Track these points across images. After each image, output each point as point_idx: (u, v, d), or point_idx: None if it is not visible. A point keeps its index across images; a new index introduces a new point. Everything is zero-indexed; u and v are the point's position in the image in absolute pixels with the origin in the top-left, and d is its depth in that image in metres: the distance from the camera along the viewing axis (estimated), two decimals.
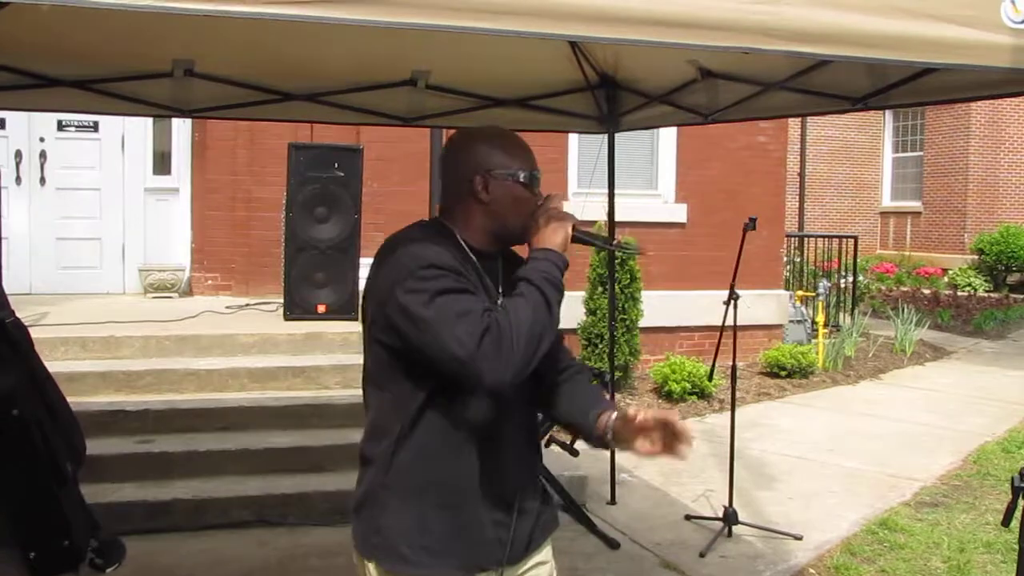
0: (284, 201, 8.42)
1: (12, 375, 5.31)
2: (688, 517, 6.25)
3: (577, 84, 5.64)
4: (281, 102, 5.50)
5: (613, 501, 6.53)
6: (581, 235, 2.59)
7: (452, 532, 2.49)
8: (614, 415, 2.52)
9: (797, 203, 20.48)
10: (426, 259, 2.41)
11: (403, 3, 2.02)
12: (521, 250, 2.63)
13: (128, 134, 9.76)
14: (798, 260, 14.37)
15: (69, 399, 5.66)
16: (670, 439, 2.40)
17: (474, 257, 2.54)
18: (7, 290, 5.82)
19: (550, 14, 2.10)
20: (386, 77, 5.36)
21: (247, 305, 9.10)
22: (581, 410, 2.62)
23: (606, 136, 6.26)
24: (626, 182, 9.64)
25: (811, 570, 5.53)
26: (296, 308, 8.19)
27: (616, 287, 8.75)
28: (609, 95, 5.77)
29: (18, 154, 9.49)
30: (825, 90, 4.22)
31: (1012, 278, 18.87)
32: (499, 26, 2.07)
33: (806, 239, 14.97)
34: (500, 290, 2.59)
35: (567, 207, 2.70)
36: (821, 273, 14.12)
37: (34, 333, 5.67)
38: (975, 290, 18.16)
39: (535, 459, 2.77)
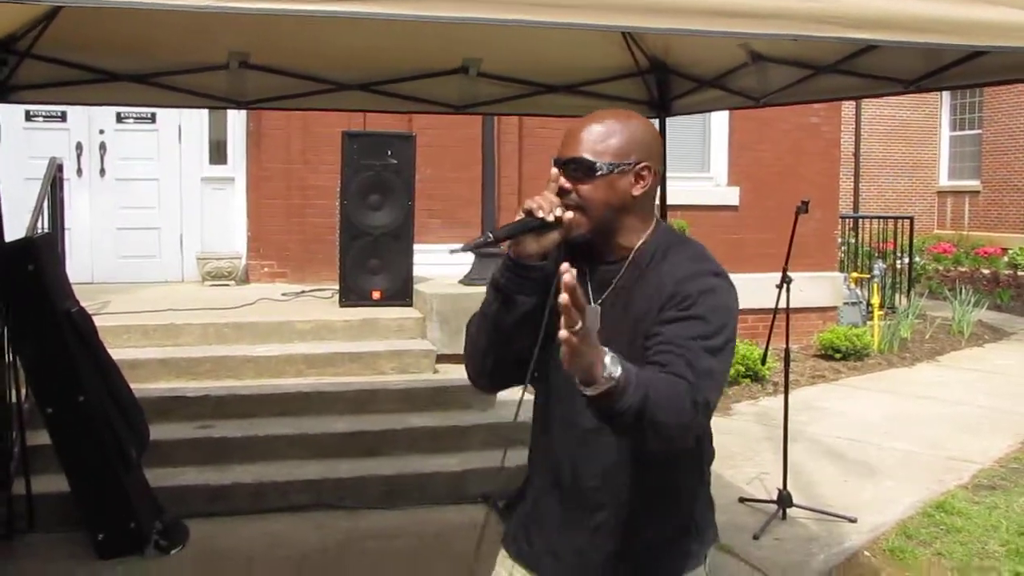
0: (338, 189, 8.48)
1: (78, 363, 5.46)
2: (742, 500, 6.24)
3: (628, 69, 5.63)
4: (334, 92, 5.54)
5: None
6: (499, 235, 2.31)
7: None
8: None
9: (852, 184, 20.27)
10: None
11: None
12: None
13: (185, 125, 9.86)
14: (853, 241, 14.25)
15: (132, 385, 5.84)
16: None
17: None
18: (70, 280, 5.97)
19: (605, 6, 2.13)
20: (438, 65, 5.39)
21: (303, 292, 9.17)
22: None
23: (657, 120, 6.26)
24: (678, 165, 9.60)
25: (866, 553, 5.51)
26: (351, 294, 8.25)
27: None
28: (660, 80, 5.75)
29: (79, 146, 9.63)
30: (877, 72, 4.19)
31: None
32: (555, 18, 2.11)
33: (861, 220, 14.84)
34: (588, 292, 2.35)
35: None
36: (876, 254, 14.01)
37: (97, 321, 5.85)
38: None
39: None
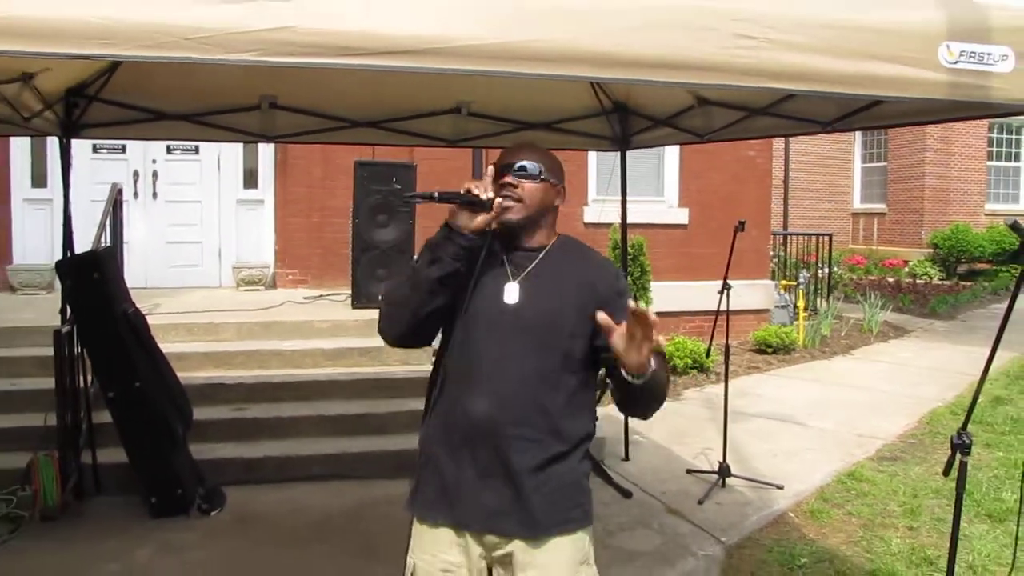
0: (351, 209, 8.49)
1: (134, 355, 5.46)
2: (689, 471, 6.27)
3: (595, 110, 5.68)
4: (348, 128, 5.58)
5: (627, 458, 6.56)
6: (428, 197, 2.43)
7: None
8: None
9: (782, 206, 20.32)
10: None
11: (454, 53, 2.08)
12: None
13: (223, 156, 9.84)
14: (783, 254, 14.28)
15: (178, 374, 5.85)
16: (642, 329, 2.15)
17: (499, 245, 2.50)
18: (128, 285, 5.97)
19: (574, 60, 2.16)
20: (435, 106, 5.43)
21: (321, 296, 9.16)
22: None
23: (619, 153, 6.29)
24: (637, 190, 9.62)
25: (791, 514, 5.54)
26: (362, 298, 8.24)
27: (629, 279, 8.77)
28: (621, 119, 5.80)
29: (135, 174, 9.60)
30: (800, 115, 4.23)
31: (961, 268, 18.70)
32: (532, 70, 2.13)
33: (789, 236, 14.87)
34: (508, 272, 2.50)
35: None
36: (802, 265, 14.05)
37: (150, 320, 5.85)
38: (931, 278, 18.00)
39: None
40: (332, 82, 4.85)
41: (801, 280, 12.87)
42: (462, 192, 2.38)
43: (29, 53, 1.89)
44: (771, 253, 12.73)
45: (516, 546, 2.43)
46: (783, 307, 11.81)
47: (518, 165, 2.49)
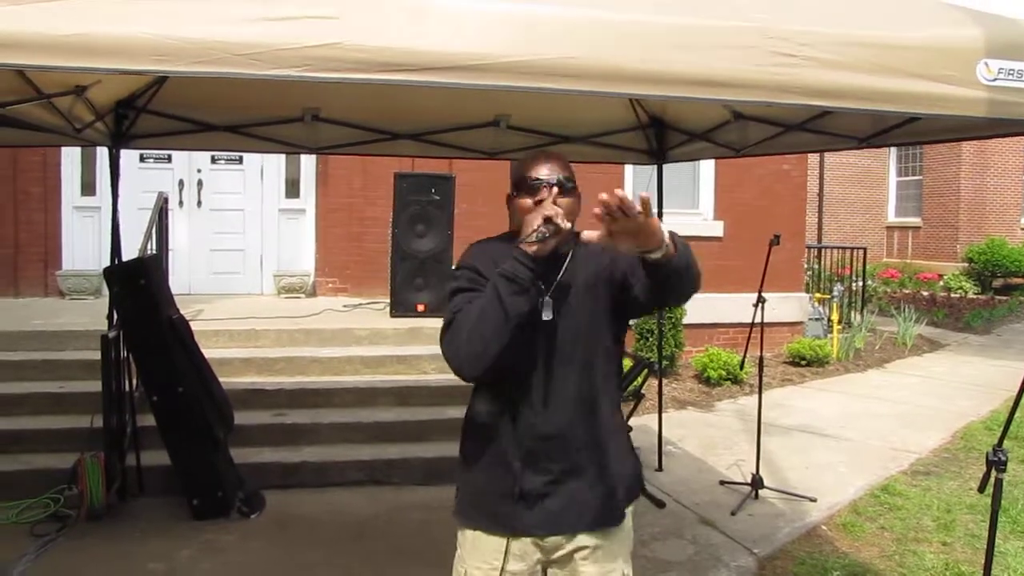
0: (390, 219, 8.53)
1: (178, 359, 5.52)
2: (722, 482, 6.23)
3: (632, 124, 5.68)
4: (389, 140, 5.61)
5: (660, 468, 6.53)
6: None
7: None
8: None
9: (816, 219, 20.23)
10: (460, 262, 2.49)
11: (495, 68, 2.09)
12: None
13: (266, 166, 9.95)
14: (817, 267, 14.19)
15: (220, 379, 5.90)
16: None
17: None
18: (172, 291, 6.05)
19: (614, 77, 2.16)
20: (474, 120, 5.45)
21: (360, 304, 9.21)
22: None
23: (655, 167, 6.28)
24: (673, 202, 9.57)
25: (823, 527, 5.49)
26: (400, 307, 8.29)
27: None
28: (658, 133, 5.79)
29: (180, 183, 9.73)
30: (835, 131, 4.20)
31: (997, 282, 18.48)
32: (572, 87, 2.13)
33: (823, 250, 14.78)
34: (549, 286, 2.35)
35: None
36: (836, 278, 13.94)
37: (193, 326, 5.91)
38: (965, 292, 17.76)
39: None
40: (374, 95, 4.88)
41: (835, 293, 12.75)
42: (548, 225, 2.24)
43: (84, 69, 1.93)
44: (805, 266, 12.63)
45: (579, 541, 2.50)
46: (817, 320, 11.71)
47: (561, 178, 2.41)
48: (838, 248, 14.90)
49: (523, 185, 2.42)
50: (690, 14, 2.22)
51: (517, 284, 2.24)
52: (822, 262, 14.30)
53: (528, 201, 2.41)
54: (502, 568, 2.48)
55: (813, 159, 18.44)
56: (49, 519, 5.25)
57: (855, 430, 7.79)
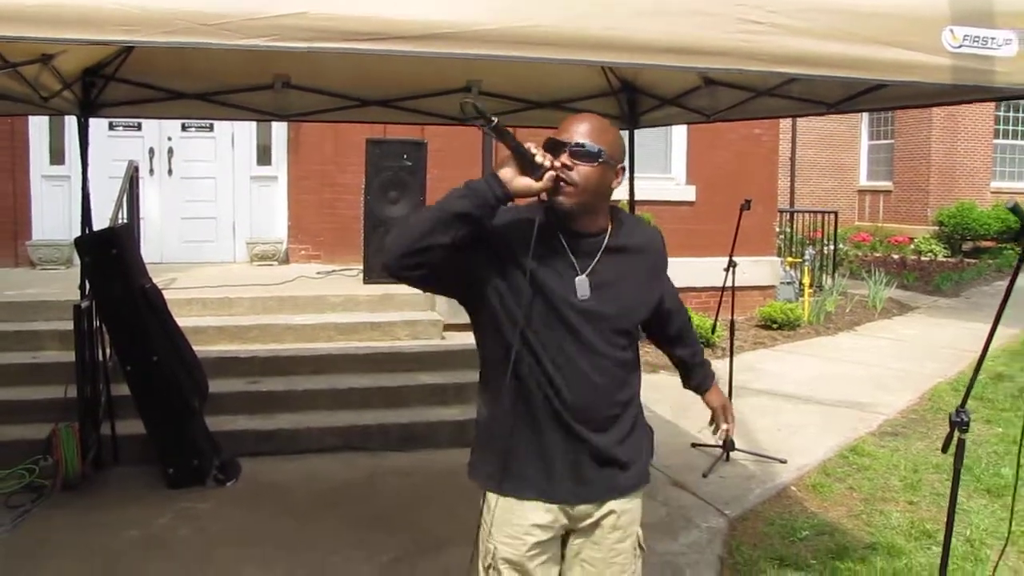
0: (363, 186, 8.51)
1: (151, 328, 5.51)
2: (694, 445, 6.30)
3: (604, 90, 5.66)
4: (360, 107, 5.58)
5: None
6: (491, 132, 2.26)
7: None
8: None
9: (788, 183, 20.33)
10: None
11: (463, 37, 2.08)
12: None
13: (237, 133, 9.88)
14: (788, 231, 14.27)
15: (194, 347, 5.90)
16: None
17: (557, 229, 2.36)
18: (144, 260, 6.01)
19: (582, 44, 2.16)
20: (445, 85, 5.41)
21: (333, 271, 9.20)
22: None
23: (627, 132, 6.28)
24: (645, 167, 9.62)
25: (793, 488, 5.58)
26: (373, 273, 8.26)
27: None
28: (630, 99, 5.78)
29: (151, 151, 9.64)
30: (804, 96, 4.22)
31: (966, 245, 18.68)
32: (539, 55, 2.13)
33: (795, 214, 14.86)
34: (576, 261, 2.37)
35: None
36: (808, 242, 14.04)
37: (166, 295, 5.90)
38: (935, 256, 17.97)
39: None
40: (343, 62, 4.84)
41: (807, 257, 12.86)
42: (523, 145, 2.23)
43: (51, 39, 1.91)
44: (777, 230, 12.71)
45: (608, 506, 2.52)
46: (788, 283, 11.81)
47: (575, 144, 2.30)
48: (810, 212, 15.00)
49: (547, 144, 2.35)
50: None
51: (468, 190, 2.22)
52: (794, 226, 14.38)
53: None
54: (533, 542, 2.44)
55: (785, 123, 18.49)
56: (24, 490, 5.24)
57: (825, 392, 7.90)
